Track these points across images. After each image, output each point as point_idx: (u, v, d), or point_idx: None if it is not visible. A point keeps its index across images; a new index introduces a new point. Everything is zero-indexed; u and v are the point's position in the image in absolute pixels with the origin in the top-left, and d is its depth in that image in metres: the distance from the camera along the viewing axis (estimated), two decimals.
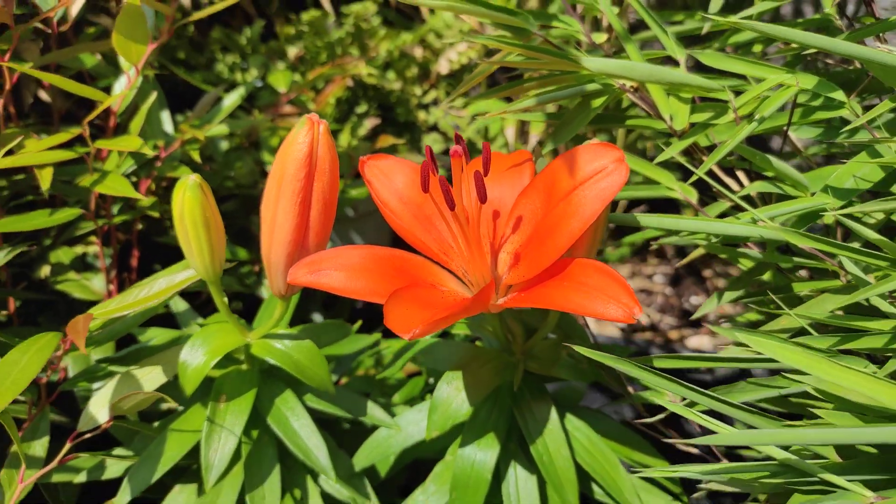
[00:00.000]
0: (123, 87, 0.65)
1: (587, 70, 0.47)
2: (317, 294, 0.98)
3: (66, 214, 0.63)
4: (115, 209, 0.73)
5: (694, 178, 0.48)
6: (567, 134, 0.51)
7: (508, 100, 0.60)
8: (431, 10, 1.35)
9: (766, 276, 0.55)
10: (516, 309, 0.56)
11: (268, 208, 0.45)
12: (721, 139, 0.54)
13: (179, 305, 0.68)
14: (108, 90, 0.75)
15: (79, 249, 0.81)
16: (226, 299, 0.52)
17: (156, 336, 0.64)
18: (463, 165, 0.43)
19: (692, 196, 0.52)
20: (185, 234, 0.46)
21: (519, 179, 0.50)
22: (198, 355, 0.52)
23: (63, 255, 0.79)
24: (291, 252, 0.46)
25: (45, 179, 0.60)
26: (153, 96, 0.62)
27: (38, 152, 0.57)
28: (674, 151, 0.51)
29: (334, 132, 1.05)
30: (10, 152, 0.58)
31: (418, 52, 1.22)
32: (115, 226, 0.73)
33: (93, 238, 0.73)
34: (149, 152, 0.57)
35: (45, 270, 0.79)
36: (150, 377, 0.55)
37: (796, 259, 0.51)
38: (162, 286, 0.50)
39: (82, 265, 0.81)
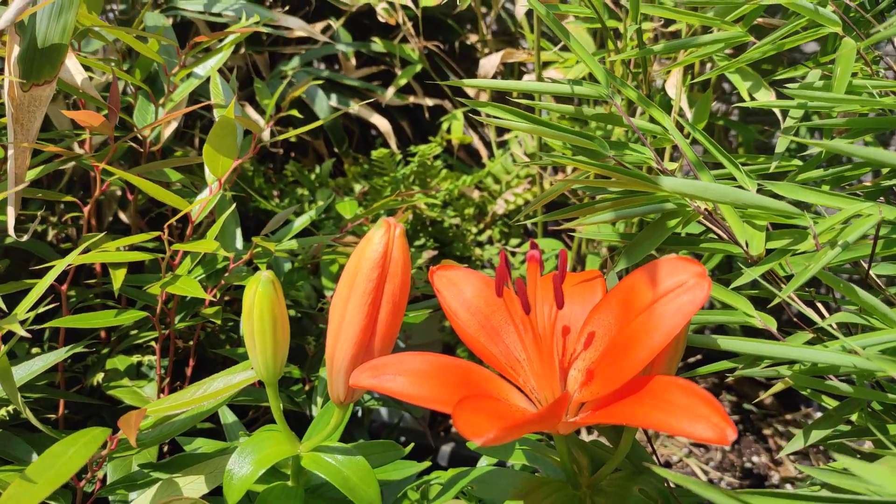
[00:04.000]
0: (205, 198, 0.68)
1: (663, 191, 0.48)
2: (364, 420, 0.95)
3: (130, 315, 0.64)
4: (177, 318, 0.74)
5: (777, 300, 0.46)
6: (640, 253, 0.51)
7: (569, 234, 0.60)
8: (491, 155, 1.42)
9: (854, 417, 0.51)
10: (581, 437, 0.52)
11: (337, 307, 0.45)
12: (797, 269, 0.53)
13: (228, 417, 0.66)
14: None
15: (135, 358, 0.81)
16: (281, 405, 0.50)
17: (202, 446, 0.62)
18: (537, 273, 0.43)
19: (772, 324, 0.50)
20: (252, 329, 0.46)
21: (590, 296, 0.49)
22: (245, 464, 0.49)
23: (119, 362, 0.79)
24: (356, 354, 0.45)
25: (117, 279, 0.62)
26: (231, 207, 0.65)
27: (115, 251, 0.59)
28: (751, 276, 0.49)
29: None
30: (86, 250, 0.60)
31: (476, 195, 1.27)
32: (175, 335, 0.74)
33: (152, 343, 0.73)
34: (223, 253, 0.58)
35: (98, 377, 0.78)
36: (193, 486, 0.53)
37: (892, 396, 0.47)
38: (219, 386, 0.49)
39: (136, 374, 0.81)
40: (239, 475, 0.49)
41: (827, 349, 0.44)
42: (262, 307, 0.45)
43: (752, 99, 0.77)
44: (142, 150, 0.82)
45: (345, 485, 0.49)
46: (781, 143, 0.68)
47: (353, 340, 0.45)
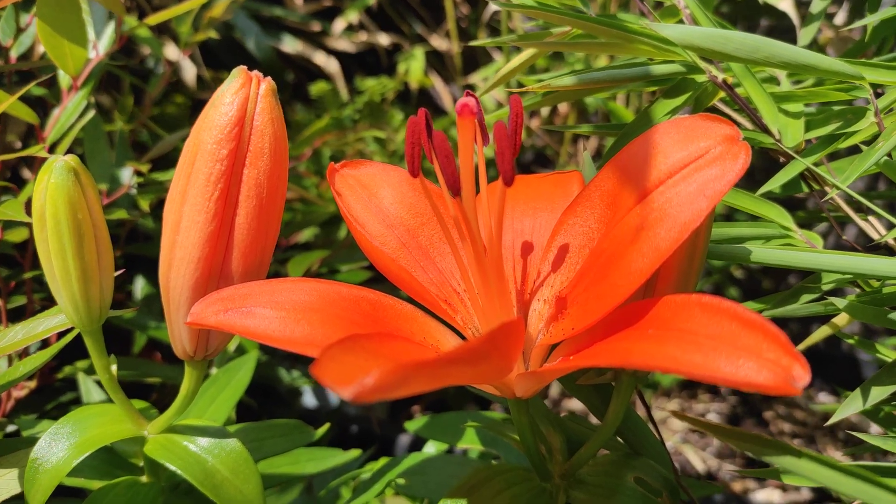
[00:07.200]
0: (61, 112, 0.52)
1: (664, 46, 0.32)
2: (292, 403, 0.79)
3: None
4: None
5: (831, 194, 0.31)
6: None
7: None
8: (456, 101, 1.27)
9: None
10: (552, 410, 0.37)
11: (171, 209, 0.29)
12: (843, 174, 0.38)
13: (92, 395, 0.51)
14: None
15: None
16: (114, 367, 0.34)
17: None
18: (476, 136, 0.27)
19: (817, 241, 0.35)
20: (45, 247, 0.30)
21: (562, 199, 0.34)
22: (59, 449, 0.33)
23: None
24: (202, 279, 0.29)
25: None
26: (90, 115, 0.49)
27: None
28: (790, 175, 0.34)
29: (338, 224, 0.91)
30: None
31: None
32: (30, 285, 0.57)
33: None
34: (45, 154, 0.42)
35: None
36: (1, 484, 0.37)
37: None
38: (17, 337, 0.33)
39: None
40: (48, 465, 0.33)
41: None
42: (56, 209, 0.29)
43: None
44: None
45: (206, 480, 0.33)
46: (806, 35, 0.54)
47: (196, 258, 0.29)
